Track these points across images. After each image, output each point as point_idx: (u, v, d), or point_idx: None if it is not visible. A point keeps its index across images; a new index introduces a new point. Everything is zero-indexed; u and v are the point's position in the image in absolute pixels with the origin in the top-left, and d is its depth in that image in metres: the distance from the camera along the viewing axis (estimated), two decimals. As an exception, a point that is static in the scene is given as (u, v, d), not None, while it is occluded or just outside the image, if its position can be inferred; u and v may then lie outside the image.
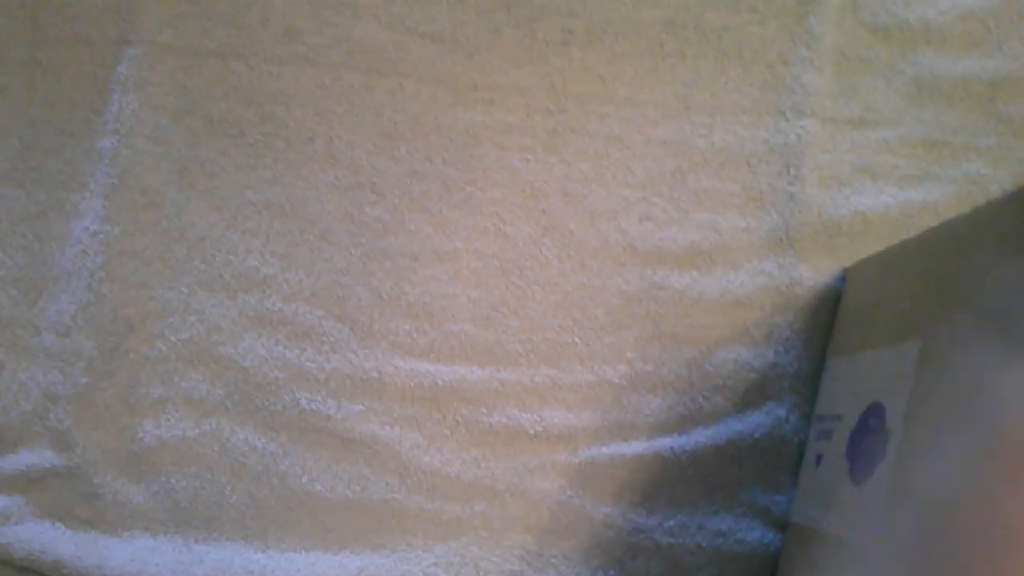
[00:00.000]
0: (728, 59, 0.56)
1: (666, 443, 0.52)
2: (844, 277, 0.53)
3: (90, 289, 0.54)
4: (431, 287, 0.54)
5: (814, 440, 0.50)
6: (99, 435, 0.53)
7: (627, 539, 0.52)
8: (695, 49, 0.56)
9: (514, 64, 0.56)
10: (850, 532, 0.41)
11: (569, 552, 0.52)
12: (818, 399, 0.51)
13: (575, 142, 0.55)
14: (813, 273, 0.53)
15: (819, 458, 0.48)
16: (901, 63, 0.55)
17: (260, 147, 0.55)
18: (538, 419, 0.53)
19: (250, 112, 0.56)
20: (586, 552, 0.52)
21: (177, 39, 0.56)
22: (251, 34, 0.56)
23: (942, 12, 0.56)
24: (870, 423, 0.42)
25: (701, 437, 0.52)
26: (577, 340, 0.53)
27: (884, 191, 0.54)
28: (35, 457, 0.53)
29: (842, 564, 0.41)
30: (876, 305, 0.46)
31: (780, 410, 0.52)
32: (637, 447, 0.52)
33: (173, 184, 0.55)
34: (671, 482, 0.52)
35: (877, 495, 0.39)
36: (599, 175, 0.55)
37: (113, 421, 0.53)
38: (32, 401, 0.53)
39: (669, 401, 0.53)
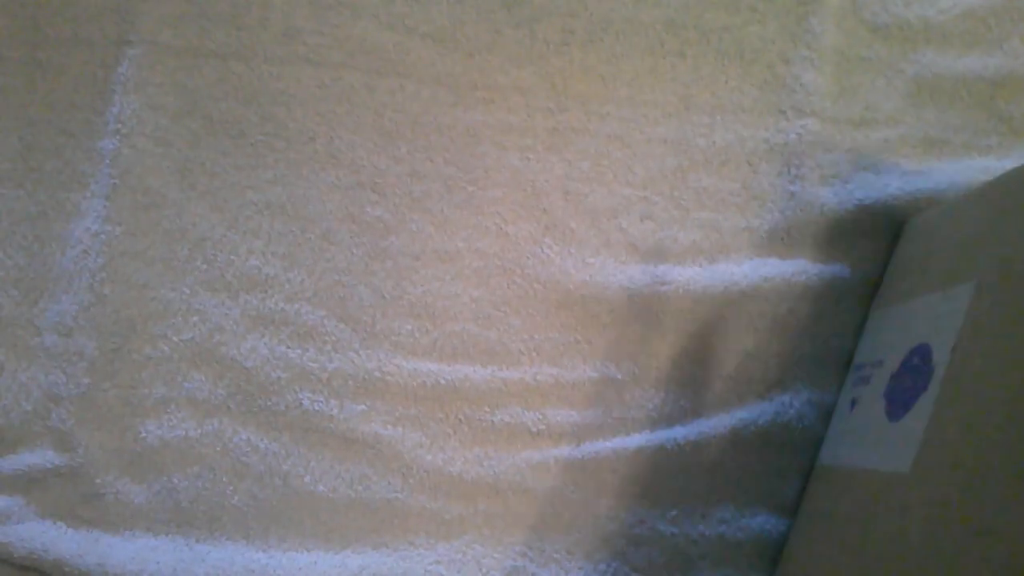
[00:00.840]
0: (728, 59, 0.56)
1: (669, 434, 0.52)
2: (903, 230, 0.52)
3: (92, 290, 0.54)
4: (433, 287, 0.54)
5: (850, 387, 0.50)
6: (101, 435, 0.53)
7: (629, 530, 0.52)
8: (695, 49, 0.56)
9: (514, 64, 0.56)
10: (883, 463, 0.42)
11: (572, 547, 0.52)
12: (858, 350, 0.51)
13: (576, 141, 0.55)
14: (816, 265, 0.53)
15: (853, 403, 0.49)
16: (902, 62, 0.55)
17: (261, 147, 0.55)
18: (541, 417, 0.53)
19: (250, 112, 0.56)
20: (589, 546, 0.52)
21: (177, 39, 0.56)
22: (251, 34, 0.56)
23: (943, 11, 0.56)
24: (914, 363, 0.43)
25: (705, 427, 0.52)
26: (579, 338, 0.54)
27: (885, 190, 0.54)
28: (37, 457, 0.53)
29: (875, 491, 0.42)
30: (930, 254, 0.46)
31: (784, 397, 0.52)
32: (639, 440, 0.52)
33: (174, 184, 0.55)
34: (673, 472, 0.52)
35: (916, 426, 0.40)
36: (600, 174, 0.55)
37: (115, 421, 0.53)
38: (33, 401, 0.53)
39: (673, 395, 0.53)
